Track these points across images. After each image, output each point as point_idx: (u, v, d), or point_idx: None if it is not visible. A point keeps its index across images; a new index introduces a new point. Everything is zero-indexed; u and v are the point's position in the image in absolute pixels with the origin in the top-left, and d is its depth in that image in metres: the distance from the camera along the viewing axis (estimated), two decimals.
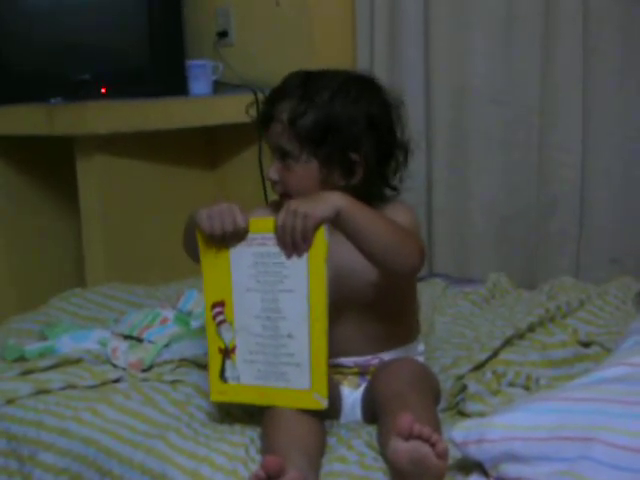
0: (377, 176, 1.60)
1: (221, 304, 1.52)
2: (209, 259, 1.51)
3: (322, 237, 1.43)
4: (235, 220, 1.46)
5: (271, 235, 1.46)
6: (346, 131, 1.55)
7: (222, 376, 1.53)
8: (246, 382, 1.51)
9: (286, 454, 1.33)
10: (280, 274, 1.47)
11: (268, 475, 1.25)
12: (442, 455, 1.25)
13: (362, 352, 1.62)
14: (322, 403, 1.45)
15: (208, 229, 1.46)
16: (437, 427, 1.41)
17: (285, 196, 1.59)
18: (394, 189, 1.65)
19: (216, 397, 1.55)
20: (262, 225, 1.48)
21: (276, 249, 1.46)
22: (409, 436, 1.25)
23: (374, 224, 1.47)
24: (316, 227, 1.42)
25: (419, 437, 1.25)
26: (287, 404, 1.47)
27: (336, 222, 1.44)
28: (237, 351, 1.51)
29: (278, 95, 1.59)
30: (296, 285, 1.45)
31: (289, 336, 1.47)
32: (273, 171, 1.60)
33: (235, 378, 1.52)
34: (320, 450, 1.43)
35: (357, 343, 1.61)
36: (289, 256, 1.45)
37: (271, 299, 1.48)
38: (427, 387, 1.55)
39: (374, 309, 1.60)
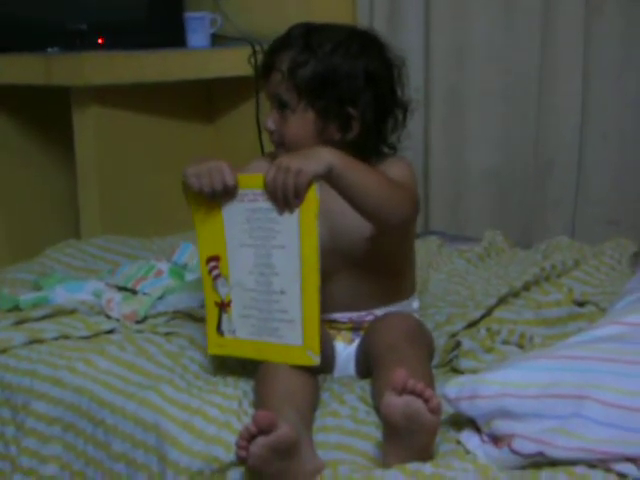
0: (374, 132, 1.59)
1: (216, 258, 1.51)
2: (201, 215, 1.51)
3: (314, 193, 1.41)
4: (224, 178, 1.46)
5: (261, 191, 1.45)
6: (345, 84, 1.54)
7: (219, 329, 1.53)
8: (241, 336, 1.51)
9: (278, 409, 1.33)
10: (272, 230, 1.46)
11: (260, 429, 1.25)
12: (435, 410, 1.25)
13: (357, 308, 1.62)
14: (314, 360, 1.45)
15: (197, 187, 1.46)
16: (431, 382, 1.41)
17: (280, 146, 1.59)
18: (391, 147, 1.64)
19: (213, 350, 1.56)
20: (252, 181, 1.46)
21: (267, 204, 1.45)
22: (402, 391, 1.25)
23: (365, 178, 1.47)
24: (308, 184, 1.41)
25: (412, 392, 1.25)
26: (281, 360, 1.47)
27: (327, 178, 1.43)
28: (232, 305, 1.51)
29: (280, 45, 1.59)
30: (288, 241, 1.45)
31: (281, 292, 1.46)
32: (270, 121, 1.60)
33: (231, 332, 1.52)
34: (312, 405, 1.43)
35: (352, 299, 1.62)
36: (280, 212, 1.44)
37: (264, 254, 1.47)
38: (422, 342, 1.55)
39: (369, 265, 1.60)
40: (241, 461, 1.28)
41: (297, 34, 1.58)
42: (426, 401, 1.25)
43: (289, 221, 1.44)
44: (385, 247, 1.59)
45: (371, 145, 1.61)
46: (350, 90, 1.55)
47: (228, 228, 1.49)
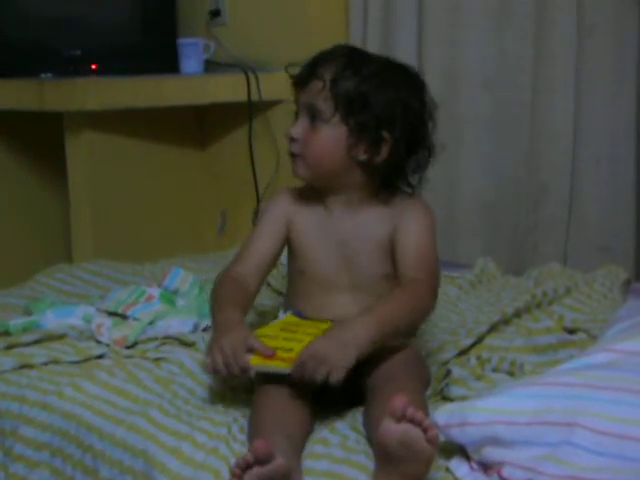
0: (399, 163, 1.59)
1: None
2: None
3: None
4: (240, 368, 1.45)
5: (283, 372, 1.44)
6: (384, 106, 1.54)
7: None
8: None
9: (270, 437, 1.31)
10: None
11: (256, 459, 1.24)
12: (432, 441, 1.24)
13: None
14: None
15: (212, 371, 1.48)
16: (427, 414, 1.40)
17: (299, 158, 1.59)
18: (410, 186, 1.65)
19: None
20: (273, 363, 1.46)
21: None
22: (402, 418, 1.24)
23: (394, 330, 1.49)
24: (338, 381, 1.40)
25: (412, 420, 1.24)
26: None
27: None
28: None
29: (324, 57, 1.58)
30: None
31: None
32: (296, 129, 1.58)
33: None
34: (305, 433, 1.42)
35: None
36: None
37: None
38: (419, 374, 1.55)
39: (375, 291, 1.59)
40: None
41: (342, 52, 1.59)
42: (424, 430, 1.24)
43: None
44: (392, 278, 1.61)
45: (393, 176, 1.62)
46: (388, 113, 1.55)
47: None
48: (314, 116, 1.56)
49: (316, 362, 1.40)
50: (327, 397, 1.53)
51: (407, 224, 1.60)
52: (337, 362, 1.40)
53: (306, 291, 1.64)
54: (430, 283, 1.57)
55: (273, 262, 1.69)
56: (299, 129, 1.58)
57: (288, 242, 1.67)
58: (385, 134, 1.55)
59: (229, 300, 1.59)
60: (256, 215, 1.68)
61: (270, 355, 1.46)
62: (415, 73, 1.64)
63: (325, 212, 1.64)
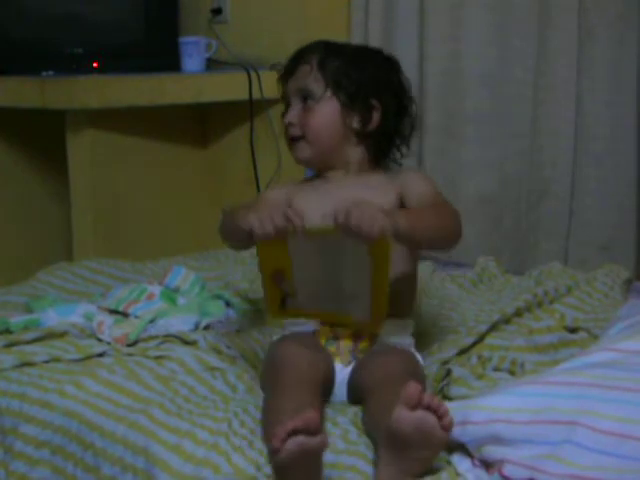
0: (390, 129, 1.71)
1: (280, 272, 1.53)
2: (265, 249, 1.51)
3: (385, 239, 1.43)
4: (285, 215, 1.47)
5: (331, 235, 1.45)
6: (369, 79, 1.67)
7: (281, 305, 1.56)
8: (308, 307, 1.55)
9: (300, 400, 1.35)
10: (342, 258, 1.47)
11: (305, 429, 1.22)
12: (448, 428, 1.25)
13: None
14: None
15: (260, 231, 1.47)
16: None
17: (299, 140, 1.68)
18: (400, 156, 1.76)
19: (275, 315, 1.59)
20: (320, 229, 1.48)
21: (336, 239, 1.45)
22: (417, 405, 1.24)
23: (426, 229, 1.54)
24: (380, 226, 1.41)
25: (428, 407, 1.24)
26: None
27: (395, 235, 1.45)
28: (298, 293, 1.54)
29: (304, 48, 1.71)
30: (358, 268, 1.46)
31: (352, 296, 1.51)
32: (292, 114, 1.69)
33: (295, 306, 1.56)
34: (327, 387, 1.51)
35: None
36: (351, 244, 1.44)
37: (334, 280, 1.51)
38: (414, 371, 1.55)
39: None
40: (272, 452, 1.25)
41: (321, 44, 1.71)
42: (440, 417, 1.24)
43: (360, 251, 1.44)
44: (402, 267, 1.63)
45: (385, 144, 1.72)
46: (373, 84, 1.68)
47: (295, 257, 1.50)
48: (306, 98, 1.68)
49: (359, 211, 1.41)
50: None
51: (414, 184, 1.68)
52: (376, 216, 1.41)
53: None
54: (455, 211, 1.62)
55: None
56: (294, 113, 1.69)
57: None
58: (374, 102, 1.67)
59: (242, 207, 1.65)
60: None
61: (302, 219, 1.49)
62: (389, 55, 1.76)
63: (325, 183, 1.72)
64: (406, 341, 1.67)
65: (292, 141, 1.71)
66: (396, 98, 1.71)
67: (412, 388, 1.25)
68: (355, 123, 1.68)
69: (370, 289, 1.47)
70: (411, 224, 1.48)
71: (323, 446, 1.25)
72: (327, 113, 1.67)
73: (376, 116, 1.68)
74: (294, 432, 1.23)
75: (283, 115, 1.72)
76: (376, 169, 1.73)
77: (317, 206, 1.61)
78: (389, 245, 1.43)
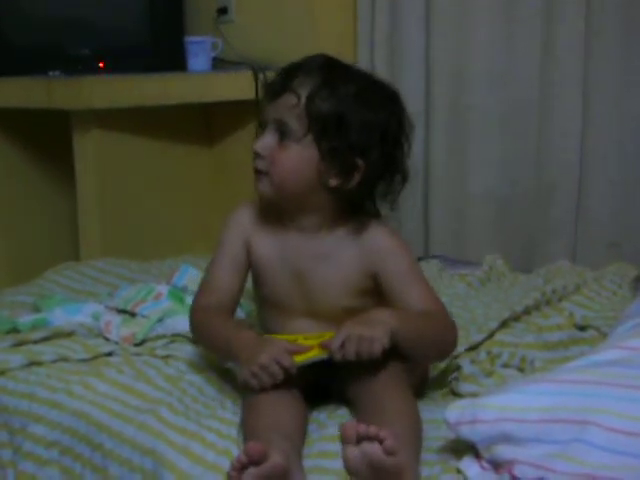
0: (370, 189, 1.52)
1: None
2: None
3: None
4: (283, 368, 1.40)
5: (323, 357, 1.43)
6: (360, 133, 1.45)
7: None
8: None
9: (268, 438, 1.29)
10: None
11: (251, 460, 1.22)
12: (391, 451, 1.21)
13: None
14: None
15: (257, 386, 1.40)
16: (414, 423, 1.36)
17: (264, 176, 1.49)
18: (376, 212, 1.56)
19: None
20: (311, 354, 1.44)
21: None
22: (358, 439, 1.22)
23: (418, 336, 1.45)
24: (379, 352, 1.38)
25: (367, 437, 1.22)
26: None
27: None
28: None
29: (299, 69, 1.48)
30: None
31: None
32: (261, 144, 1.48)
33: None
34: (301, 433, 1.40)
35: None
36: None
37: None
38: (405, 379, 1.48)
39: (334, 319, 1.52)
40: None
41: (318, 64, 1.48)
42: (381, 442, 1.21)
43: None
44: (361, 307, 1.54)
45: (361, 201, 1.53)
46: (364, 139, 1.45)
47: None
48: (283, 133, 1.46)
49: (355, 340, 1.37)
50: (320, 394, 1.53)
51: (390, 262, 1.52)
52: (374, 336, 1.37)
53: (269, 314, 1.62)
54: (448, 317, 1.52)
55: (241, 289, 1.63)
56: (266, 145, 1.48)
57: (249, 265, 1.61)
58: (359, 161, 1.46)
59: (227, 324, 1.54)
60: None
61: (308, 349, 1.44)
62: (394, 92, 1.53)
63: (284, 237, 1.56)
64: None
65: (256, 173, 1.51)
66: (387, 155, 1.48)
67: (347, 426, 1.24)
68: (331, 180, 1.47)
69: None
70: (405, 328, 1.42)
71: (275, 468, 1.23)
72: (301, 160, 1.46)
73: (357, 176, 1.46)
74: (243, 467, 1.22)
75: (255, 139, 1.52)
76: (344, 222, 1.54)
77: (275, 268, 1.57)
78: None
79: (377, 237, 1.53)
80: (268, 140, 1.48)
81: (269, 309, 1.62)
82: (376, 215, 1.56)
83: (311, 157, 1.46)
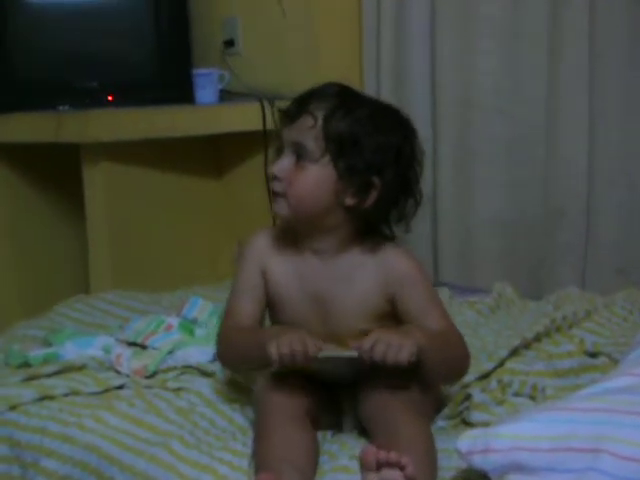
0: (386, 210, 1.54)
1: None
2: None
3: None
4: (306, 352, 1.42)
5: (350, 355, 1.44)
6: (376, 152, 1.48)
7: None
8: None
9: (278, 469, 1.30)
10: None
11: None
12: (411, 478, 1.22)
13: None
14: None
15: (277, 360, 1.42)
16: (429, 452, 1.36)
17: (281, 198, 1.52)
18: (391, 234, 1.58)
19: None
20: (339, 355, 1.47)
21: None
22: (378, 466, 1.23)
23: (441, 356, 1.48)
24: (409, 360, 1.40)
25: (388, 464, 1.22)
26: None
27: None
28: None
29: (315, 94, 1.52)
30: None
31: None
32: (279, 167, 1.51)
33: None
34: (313, 461, 1.40)
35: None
36: None
37: None
38: (421, 407, 1.49)
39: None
40: None
41: (333, 91, 1.52)
42: (402, 468, 1.22)
43: None
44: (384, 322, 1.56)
45: (377, 222, 1.56)
46: (380, 158, 1.48)
47: None
48: (300, 154, 1.50)
49: (385, 344, 1.39)
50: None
51: (407, 285, 1.54)
52: (403, 344, 1.39)
53: None
54: (463, 340, 1.55)
55: (262, 315, 1.63)
56: (284, 167, 1.51)
57: (266, 291, 1.61)
58: (375, 179, 1.49)
59: (255, 330, 1.57)
60: (240, 247, 1.61)
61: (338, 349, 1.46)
62: (406, 118, 1.56)
63: (301, 261, 1.57)
64: None
65: (274, 195, 1.54)
66: (401, 177, 1.52)
67: (367, 452, 1.24)
68: (348, 199, 1.50)
69: None
70: (430, 346, 1.44)
71: None
72: (319, 180, 1.49)
73: (374, 194, 1.49)
74: None
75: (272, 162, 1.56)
76: (360, 243, 1.56)
77: (292, 295, 1.58)
78: None
79: (394, 259, 1.56)
80: (285, 162, 1.51)
81: None
82: (391, 238, 1.58)
83: (328, 177, 1.49)
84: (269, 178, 1.54)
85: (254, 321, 1.60)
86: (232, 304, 1.63)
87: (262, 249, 1.61)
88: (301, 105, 1.51)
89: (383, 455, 1.22)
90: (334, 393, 1.57)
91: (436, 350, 1.46)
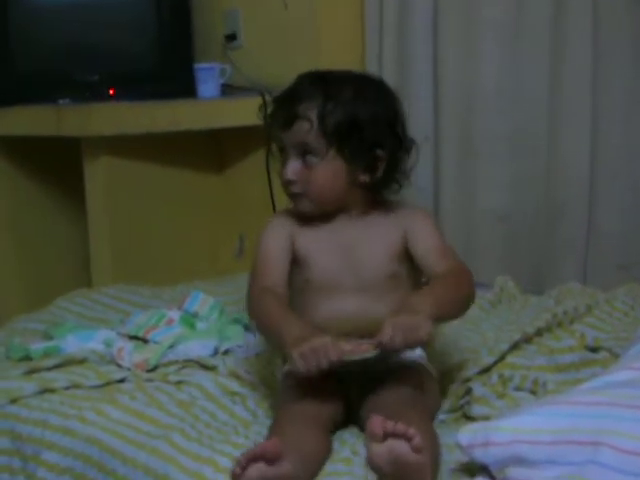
0: (395, 172, 1.64)
1: None
2: None
3: None
4: (329, 357, 1.43)
5: (372, 355, 1.47)
6: (371, 128, 1.58)
7: None
8: None
9: (286, 451, 1.30)
10: None
11: (264, 456, 1.24)
12: (418, 449, 1.23)
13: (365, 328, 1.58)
14: None
15: (303, 369, 1.43)
16: (433, 442, 1.37)
17: (301, 197, 1.61)
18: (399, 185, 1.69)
19: None
20: (360, 351, 1.49)
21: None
22: (384, 436, 1.23)
23: (452, 306, 1.55)
24: (426, 338, 1.43)
25: (394, 434, 1.23)
26: None
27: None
28: None
29: (298, 95, 1.60)
30: None
31: None
32: (291, 171, 1.60)
33: None
34: (320, 461, 1.40)
35: (360, 320, 1.60)
36: None
37: None
38: (423, 401, 1.52)
39: (378, 291, 1.62)
40: (233, 478, 1.26)
41: (312, 84, 1.60)
42: (409, 440, 1.23)
43: None
44: (404, 281, 1.63)
45: (390, 185, 1.66)
46: (376, 132, 1.59)
47: None
48: (306, 155, 1.59)
49: (401, 330, 1.42)
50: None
51: (417, 227, 1.64)
52: (418, 324, 1.42)
53: (310, 301, 1.63)
54: (463, 267, 1.62)
55: (287, 277, 1.67)
56: (296, 170, 1.60)
57: (292, 255, 1.66)
58: (379, 152, 1.60)
59: (282, 308, 1.58)
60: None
61: (360, 348, 1.48)
62: (381, 81, 1.68)
63: (328, 224, 1.66)
64: (416, 352, 1.64)
65: (293, 196, 1.64)
66: (398, 139, 1.63)
67: (374, 422, 1.25)
68: (361, 177, 1.61)
69: None
70: (440, 307, 1.49)
71: (284, 474, 1.25)
72: (332, 173, 1.60)
73: (382, 165, 1.61)
74: (254, 459, 1.24)
75: (282, 167, 1.64)
76: (377, 206, 1.68)
77: (323, 248, 1.64)
78: None
79: (411, 209, 1.69)
80: (295, 165, 1.60)
81: (315, 293, 1.63)
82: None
83: (339, 167, 1.60)
84: (283, 184, 1.63)
85: (283, 277, 1.64)
86: (260, 266, 1.66)
87: (288, 220, 1.68)
88: (290, 110, 1.59)
89: (390, 425, 1.23)
90: (344, 391, 1.57)
91: (447, 304, 1.52)
